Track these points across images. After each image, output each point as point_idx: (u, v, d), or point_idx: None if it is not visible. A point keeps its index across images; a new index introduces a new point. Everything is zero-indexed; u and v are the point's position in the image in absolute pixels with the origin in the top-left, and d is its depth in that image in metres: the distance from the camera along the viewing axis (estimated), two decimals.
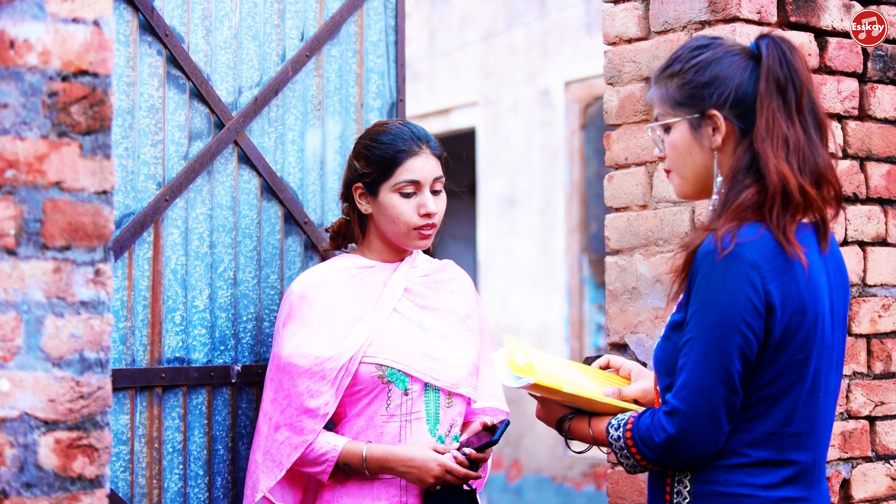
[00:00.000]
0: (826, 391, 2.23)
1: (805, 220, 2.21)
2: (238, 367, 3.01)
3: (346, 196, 2.90)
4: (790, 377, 2.17)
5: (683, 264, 2.20)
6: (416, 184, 2.82)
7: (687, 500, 2.20)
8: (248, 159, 3.06)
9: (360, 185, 2.85)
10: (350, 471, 2.76)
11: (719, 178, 2.23)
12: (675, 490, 2.22)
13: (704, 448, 2.16)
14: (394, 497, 2.77)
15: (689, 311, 2.17)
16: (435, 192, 2.85)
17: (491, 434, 2.77)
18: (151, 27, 2.91)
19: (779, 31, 2.32)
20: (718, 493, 2.17)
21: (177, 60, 2.95)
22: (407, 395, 2.78)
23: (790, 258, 2.14)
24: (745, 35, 2.92)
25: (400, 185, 2.81)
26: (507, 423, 2.78)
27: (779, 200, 2.14)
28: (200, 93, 2.99)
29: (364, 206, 2.86)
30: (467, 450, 2.73)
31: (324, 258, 3.12)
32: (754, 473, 2.17)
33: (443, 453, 2.73)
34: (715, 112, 2.21)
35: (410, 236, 2.83)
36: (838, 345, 2.26)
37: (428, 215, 2.81)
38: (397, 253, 2.90)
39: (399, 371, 2.77)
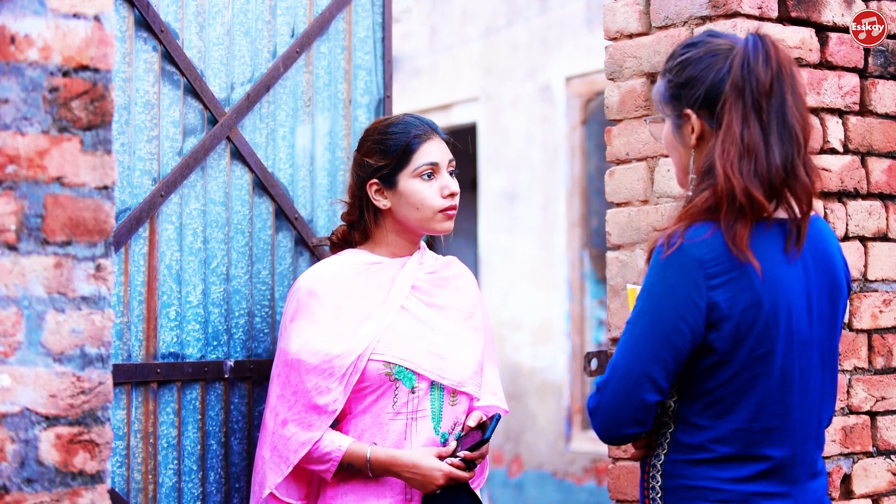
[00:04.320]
0: (803, 387, 2.24)
1: (783, 216, 2.22)
2: (230, 363, 3.01)
3: (359, 197, 2.90)
4: (753, 371, 2.19)
5: (647, 266, 2.26)
6: (435, 166, 2.85)
7: (659, 495, 2.26)
8: (240, 155, 3.06)
9: (375, 180, 2.86)
10: (354, 470, 2.76)
11: (693, 176, 2.28)
12: (650, 485, 2.28)
13: (613, 428, 2.22)
14: (398, 495, 2.77)
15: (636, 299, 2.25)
16: (450, 174, 2.88)
17: (482, 432, 2.79)
18: (147, 23, 2.91)
19: (764, 29, 2.33)
20: (685, 487, 2.22)
21: (171, 56, 2.96)
22: (413, 392, 2.78)
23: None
24: (745, 31, 2.92)
25: (420, 168, 2.83)
26: (497, 419, 2.81)
27: (726, 204, 2.17)
28: (194, 89, 3.00)
29: (382, 202, 2.86)
30: (461, 453, 2.76)
31: (314, 254, 3.12)
32: (720, 467, 2.21)
33: (444, 456, 2.75)
34: (689, 111, 2.26)
35: (436, 219, 2.85)
36: (822, 342, 2.27)
37: (452, 195, 2.85)
38: (410, 247, 2.91)
39: (406, 369, 2.78)
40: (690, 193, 2.26)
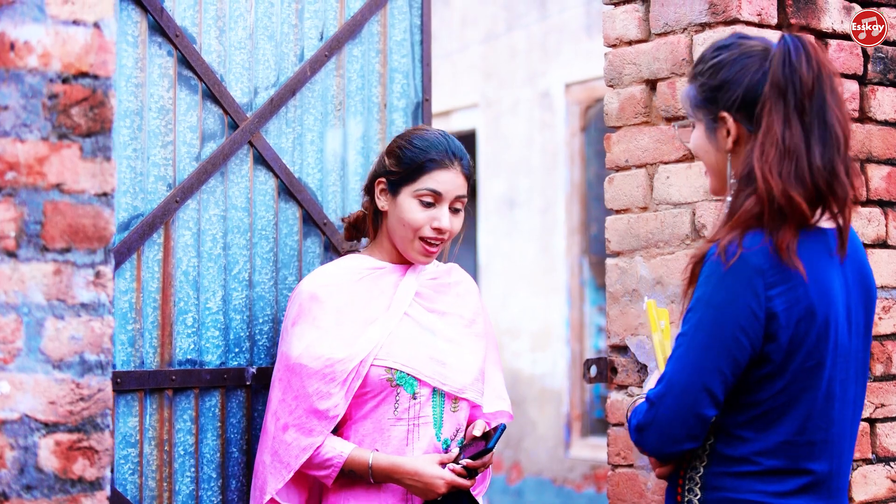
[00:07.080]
0: (843, 400, 2.20)
1: (826, 226, 2.18)
2: (253, 370, 3.00)
3: (369, 189, 2.90)
4: (802, 384, 2.14)
5: (691, 275, 2.20)
6: (438, 195, 2.82)
7: None
8: (263, 160, 3.05)
9: (383, 180, 2.85)
10: (355, 477, 2.76)
11: (733, 180, 2.22)
12: (686, 499, 2.21)
13: (667, 444, 2.16)
14: (399, 501, 2.77)
15: (687, 310, 2.17)
16: (454, 211, 2.85)
17: (485, 441, 2.78)
18: (161, 28, 2.90)
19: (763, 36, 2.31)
20: (729, 500, 2.16)
21: (188, 61, 2.94)
22: (415, 398, 2.78)
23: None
24: None
25: (421, 192, 2.81)
26: (502, 429, 2.79)
27: (768, 209, 2.13)
28: (213, 94, 2.98)
29: (382, 202, 2.86)
30: (464, 461, 2.75)
31: None
32: (766, 481, 2.15)
33: (446, 463, 2.75)
34: (725, 114, 2.21)
35: (414, 246, 2.82)
36: (858, 353, 2.23)
37: (439, 230, 2.82)
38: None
39: (408, 375, 2.77)
40: (730, 199, 2.20)
